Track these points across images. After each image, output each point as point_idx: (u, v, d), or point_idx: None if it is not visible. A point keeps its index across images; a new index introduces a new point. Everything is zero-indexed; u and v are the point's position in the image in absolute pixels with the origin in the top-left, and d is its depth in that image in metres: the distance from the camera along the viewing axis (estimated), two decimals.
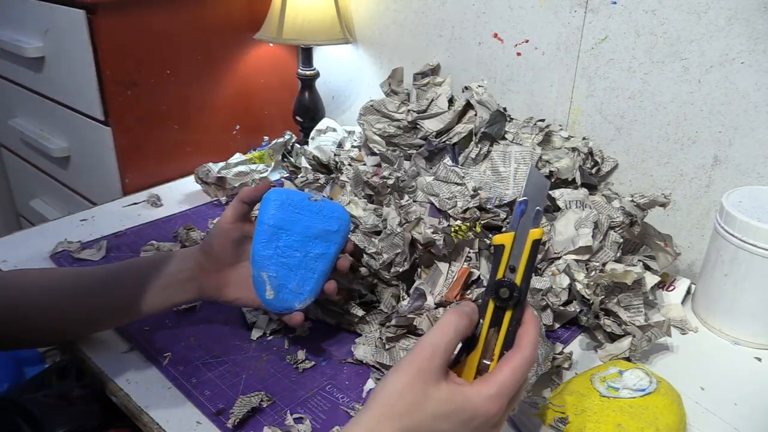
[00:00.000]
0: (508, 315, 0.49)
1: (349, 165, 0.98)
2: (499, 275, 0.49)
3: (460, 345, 0.49)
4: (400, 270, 0.76)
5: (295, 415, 0.62)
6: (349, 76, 1.34)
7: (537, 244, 0.48)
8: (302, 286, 0.67)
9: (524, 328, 0.49)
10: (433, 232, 0.76)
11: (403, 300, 0.77)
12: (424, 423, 0.45)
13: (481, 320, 0.49)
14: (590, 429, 0.59)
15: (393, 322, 0.70)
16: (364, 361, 0.70)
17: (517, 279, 0.48)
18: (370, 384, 0.67)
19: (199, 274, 0.69)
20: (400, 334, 0.70)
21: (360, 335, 0.74)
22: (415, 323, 0.71)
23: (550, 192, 0.85)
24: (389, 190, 0.85)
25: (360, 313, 0.74)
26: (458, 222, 0.77)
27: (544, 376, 0.68)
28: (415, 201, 0.84)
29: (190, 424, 0.62)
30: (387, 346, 0.70)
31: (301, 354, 0.71)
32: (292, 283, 0.66)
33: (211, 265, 0.69)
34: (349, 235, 0.74)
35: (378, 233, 0.81)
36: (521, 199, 0.49)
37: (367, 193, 0.89)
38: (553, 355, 0.68)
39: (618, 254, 0.79)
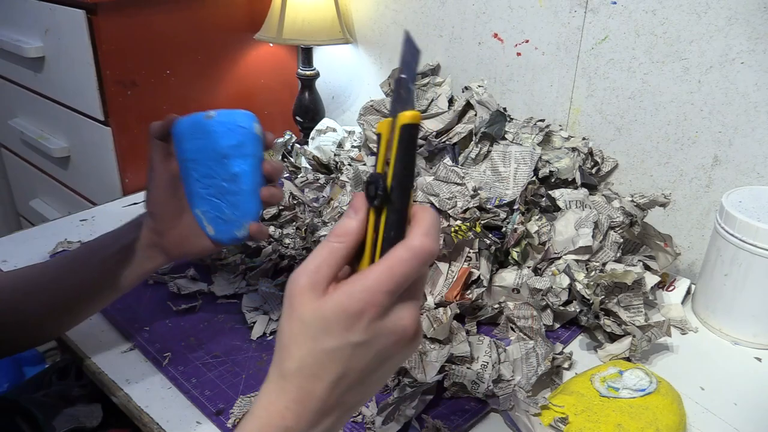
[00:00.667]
0: (382, 217, 0.41)
1: (349, 165, 0.98)
2: (378, 170, 0.41)
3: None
4: None
5: None
6: (349, 76, 1.34)
7: (409, 130, 0.39)
8: (234, 211, 0.62)
9: (413, 222, 0.41)
10: None
11: None
12: (310, 350, 0.40)
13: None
14: (590, 429, 0.59)
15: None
16: None
17: (389, 173, 0.40)
18: None
19: (155, 239, 0.66)
20: None
21: None
22: None
23: (550, 192, 0.85)
24: None
25: None
26: (458, 222, 0.77)
27: (544, 376, 0.68)
28: (415, 201, 0.84)
29: (190, 424, 0.62)
30: None
31: None
32: (223, 213, 0.63)
33: (160, 224, 0.65)
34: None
35: None
36: (398, 77, 0.41)
37: None
38: (553, 355, 0.68)
39: (618, 254, 0.79)
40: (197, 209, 0.64)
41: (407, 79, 0.41)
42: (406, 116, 0.39)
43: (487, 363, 0.66)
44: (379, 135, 0.41)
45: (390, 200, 0.40)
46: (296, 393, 0.41)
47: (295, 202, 0.95)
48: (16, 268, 0.69)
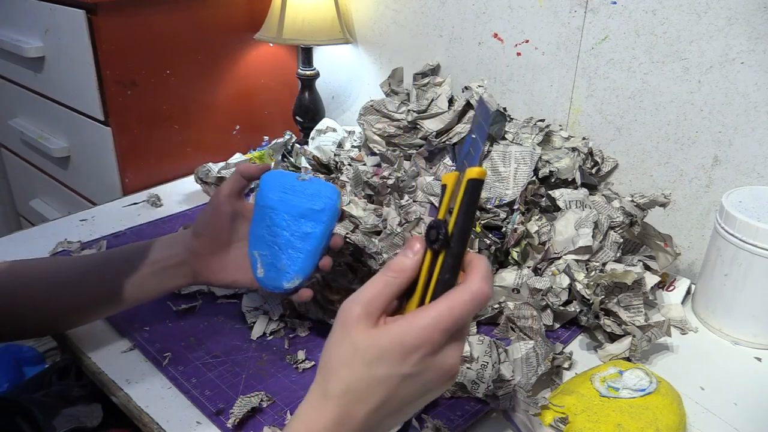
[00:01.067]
0: (439, 260, 0.44)
1: (349, 165, 0.98)
2: (440, 217, 0.44)
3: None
4: None
5: None
6: (349, 76, 1.34)
7: (474, 183, 0.43)
8: (289, 265, 0.66)
9: (470, 267, 0.44)
10: None
11: None
12: (361, 375, 0.42)
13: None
14: (590, 429, 0.59)
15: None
16: None
17: (451, 221, 0.44)
18: None
19: (191, 259, 0.69)
20: None
21: None
22: None
23: (550, 192, 0.85)
24: (389, 190, 0.85)
25: None
26: None
27: (544, 376, 0.68)
28: (415, 201, 0.84)
29: (190, 424, 0.62)
30: None
31: (301, 354, 0.71)
32: (280, 261, 0.67)
33: (203, 248, 0.68)
34: (348, 232, 0.73)
35: (378, 233, 0.81)
36: (469, 136, 0.46)
37: (367, 193, 0.89)
38: (553, 355, 0.68)
39: (618, 254, 0.79)
40: (256, 251, 0.68)
41: (478, 139, 0.45)
42: (473, 172, 0.43)
43: (487, 363, 0.66)
44: (444, 186, 0.45)
45: (449, 245, 0.43)
46: (338, 414, 0.43)
47: None
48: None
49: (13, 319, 0.64)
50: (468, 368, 0.65)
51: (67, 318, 0.69)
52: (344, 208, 0.85)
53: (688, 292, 0.85)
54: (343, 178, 0.94)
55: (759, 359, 0.75)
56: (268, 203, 0.67)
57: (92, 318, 0.71)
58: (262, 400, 0.63)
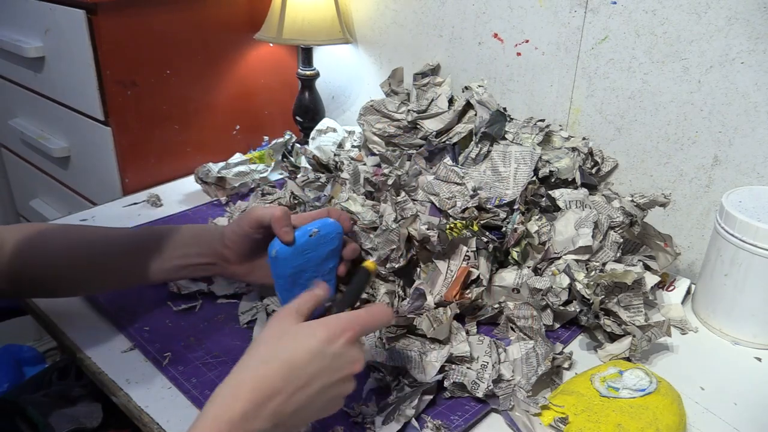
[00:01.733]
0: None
1: (349, 164, 0.98)
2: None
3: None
4: (396, 266, 0.76)
5: None
6: (349, 76, 1.34)
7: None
8: None
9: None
10: (428, 229, 0.76)
11: (402, 299, 0.77)
12: (271, 347, 0.52)
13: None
14: (590, 429, 0.59)
15: (393, 321, 0.70)
16: None
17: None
18: (370, 383, 0.67)
19: (220, 262, 0.72)
20: (399, 334, 0.70)
21: None
22: (414, 323, 0.71)
23: (550, 192, 0.85)
24: (389, 187, 0.85)
25: None
26: (456, 220, 0.77)
27: (544, 376, 0.68)
28: (414, 200, 0.84)
29: (190, 424, 0.61)
30: (387, 346, 0.70)
31: None
32: None
33: (232, 257, 0.72)
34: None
35: (375, 229, 0.81)
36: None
37: (367, 189, 0.89)
38: (553, 355, 0.68)
39: (618, 254, 0.79)
40: (288, 298, 0.70)
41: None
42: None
43: (487, 363, 0.66)
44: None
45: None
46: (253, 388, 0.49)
47: (296, 201, 0.95)
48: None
49: (52, 279, 0.69)
50: (468, 368, 0.65)
51: (92, 286, 0.73)
52: (343, 204, 0.85)
53: (688, 292, 0.85)
54: (343, 175, 0.94)
55: (759, 359, 0.75)
56: (295, 271, 0.70)
57: (113, 289, 0.77)
58: None
